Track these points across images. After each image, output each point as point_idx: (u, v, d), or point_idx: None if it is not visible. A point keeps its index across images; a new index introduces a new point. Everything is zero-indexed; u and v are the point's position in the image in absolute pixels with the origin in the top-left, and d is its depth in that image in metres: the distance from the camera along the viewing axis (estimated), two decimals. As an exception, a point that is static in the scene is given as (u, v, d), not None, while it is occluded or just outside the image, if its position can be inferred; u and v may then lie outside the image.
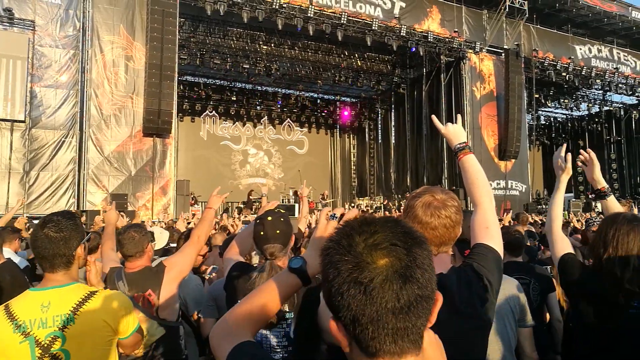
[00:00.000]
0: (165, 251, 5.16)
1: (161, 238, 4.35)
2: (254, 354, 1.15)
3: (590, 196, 20.22)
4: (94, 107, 14.44)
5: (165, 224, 10.61)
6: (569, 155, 2.52)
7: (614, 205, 2.66)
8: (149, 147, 15.04)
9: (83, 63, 14.80)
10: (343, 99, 28.18)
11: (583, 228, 6.82)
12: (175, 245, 5.34)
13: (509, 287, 2.68)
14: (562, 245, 2.40)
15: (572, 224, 8.43)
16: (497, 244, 1.74)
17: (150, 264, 2.91)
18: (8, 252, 4.56)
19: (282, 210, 2.31)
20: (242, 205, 20.09)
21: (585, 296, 2.22)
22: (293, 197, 19.77)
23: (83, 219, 10.91)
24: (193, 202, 17.36)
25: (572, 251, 2.38)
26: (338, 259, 0.86)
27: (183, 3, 15.66)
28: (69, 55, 14.78)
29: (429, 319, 0.88)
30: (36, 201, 13.79)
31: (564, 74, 22.98)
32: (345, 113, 28.50)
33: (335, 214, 1.33)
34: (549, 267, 4.19)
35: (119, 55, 14.87)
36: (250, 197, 20.87)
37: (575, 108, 28.18)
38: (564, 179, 2.53)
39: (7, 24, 14.24)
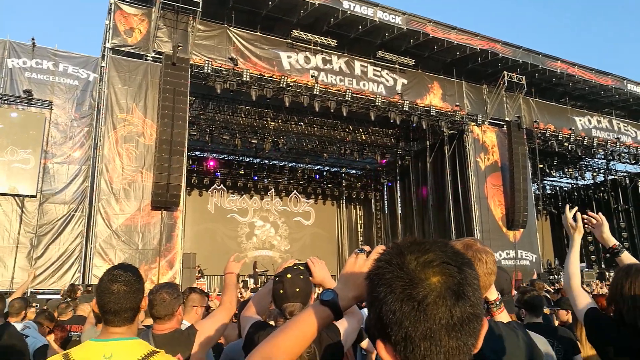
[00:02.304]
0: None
1: None
2: None
3: (607, 255, 19.81)
4: (104, 182, 14.71)
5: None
6: (579, 214, 2.58)
7: (629, 260, 2.62)
8: (157, 221, 15.13)
9: (96, 140, 15.30)
10: (349, 170, 28.58)
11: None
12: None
13: (541, 345, 2.60)
14: (584, 300, 2.38)
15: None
16: None
17: (180, 326, 2.83)
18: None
19: (301, 267, 2.26)
20: (247, 279, 19.81)
21: (616, 350, 2.17)
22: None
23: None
24: (199, 275, 17.17)
25: (594, 305, 2.35)
26: (390, 276, 0.87)
27: (194, 83, 16.40)
28: (82, 132, 15.34)
29: (477, 340, 0.88)
30: (41, 276, 13.70)
31: (566, 144, 23.35)
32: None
33: (363, 249, 1.34)
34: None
35: (131, 132, 15.35)
36: (256, 269, 20.65)
37: (580, 177, 28.34)
38: (577, 237, 2.57)
39: (26, 104, 14.92)
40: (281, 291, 2.21)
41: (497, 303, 1.95)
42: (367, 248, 1.35)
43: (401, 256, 0.88)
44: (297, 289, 2.20)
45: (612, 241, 2.63)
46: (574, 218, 2.57)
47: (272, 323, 2.89)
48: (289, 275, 2.24)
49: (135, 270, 2.17)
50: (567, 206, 2.68)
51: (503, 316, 2.04)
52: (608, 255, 2.70)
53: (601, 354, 2.39)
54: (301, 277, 2.24)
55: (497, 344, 1.78)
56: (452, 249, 0.91)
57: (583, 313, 2.33)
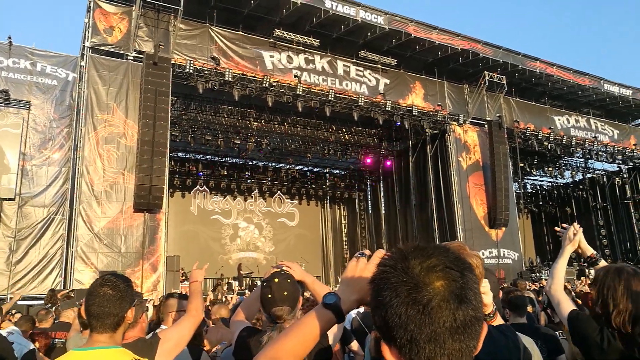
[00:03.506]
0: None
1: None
2: None
3: (583, 264, 20.24)
4: (85, 184, 14.44)
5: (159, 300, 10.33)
6: (581, 230, 2.69)
7: None
8: (140, 223, 14.91)
9: (76, 141, 15.01)
10: (332, 171, 28.62)
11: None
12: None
13: (527, 345, 2.63)
14: (567, 303, 2.46)
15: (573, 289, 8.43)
16: None
17: (144, 335, 2.80)
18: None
19: (288, 272, 2.27)
20: (232, 281, 19.70)
21: (600, 352, 2.19)
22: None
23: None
24: (183, 278, 16.99)
25: (576, 308, 2.42)
26: (396, 281, 0.89)
27: (176, 83, 16.23)
28: (62, 134, 15.04)
29: (478, 343, 0.91)
30: (21, 281, 13.41)
31: (545, 143, 23.73)
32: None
33: (364, 253, 1.36)
34: (558, 332, 4.11)
35: (112, 133, 15.09)
36: (241, 271, 20.54)
37: (559, 176, 28.85)
38: (569, 249, 2.67)
39: (3, 104, 14.57)
40: (269, 295, 2.21)
41: (491, 315, 1.97)
42: (367, 252, 1.38)
43: (405, 261, 0.91)
44: (285, 293, 2.21)
45: (590, 250, 2.71)
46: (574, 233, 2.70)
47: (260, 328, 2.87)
48: (276, 280, 2.24)
49: (127, 279, 2.18)
50: (575, 223, 2.78)
51: (497, 322, 2.06)
52: (586, 264, 2.79)
53: (585, 355, 2.43)
54: (288, 281, 2.24)
55: (489, 346, 1.80)
56: (453, 254, 0.94)
57: (566, 316, 2.40)
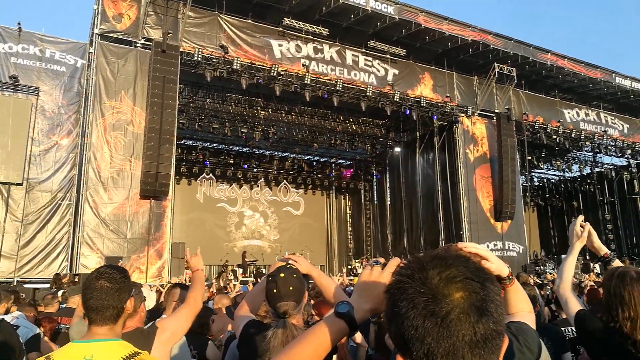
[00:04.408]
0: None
1: (148, 299, 4.25)
2: None
3: (588, 260, 20.19)
4: (92, 170, 14.53)
5: (161, 287, 10.43)
6: (587, 225, 2.64)
7: None
8: (146, 210, 15.01)
9: (84, 127, 15.09)
10: (339, 161, 28.59)
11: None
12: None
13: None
14: (574, 304, 2.47)
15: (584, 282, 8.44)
16: None
17: (142, 324, 2.82)
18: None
19: (293, 267, 2.24)
20: (236, 268, 19.81)
21: (607, 353, 2.21)
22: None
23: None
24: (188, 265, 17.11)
25: (583, 308, 2.44)
26: (413, 291, 0.85)
27: (184, 70, 16.21)
28: (70, 120, 15.11)
29: (498, 358, 0.87)
30: (28, 265, 13.57)
31: (554, 136, 23.55)
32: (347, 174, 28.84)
33: (378, 261, 1.34)
34: (567, 328, 4.09)
35: (120, 120, 15.14)
36: (245, 259, 20.65)
37: (567, 169, 28.64)
38: (578, 246, 2.64)
39: (12, 90, 14.65)
40: (274, 290, 2.19)
41: (509, 278, 1.82)
42: (381, 260, 1.36)
43: (423, 271, 0.88)
44: (291, 288, 2.18)
45: (604, 250, 2.69)
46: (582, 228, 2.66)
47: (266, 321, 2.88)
48: (282, 275, 2.21)
49: (123, 270, 2.17)
50: (580, 217, 2.73)
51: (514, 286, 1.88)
52: (600, 263, 2.78)
53: (591, 355, 2.44)
54: (294, 275, 2.22)
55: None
56: (474, 264, 0.91)
57: (573, 316, 2.43)
